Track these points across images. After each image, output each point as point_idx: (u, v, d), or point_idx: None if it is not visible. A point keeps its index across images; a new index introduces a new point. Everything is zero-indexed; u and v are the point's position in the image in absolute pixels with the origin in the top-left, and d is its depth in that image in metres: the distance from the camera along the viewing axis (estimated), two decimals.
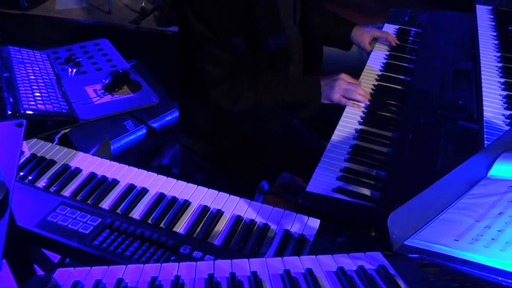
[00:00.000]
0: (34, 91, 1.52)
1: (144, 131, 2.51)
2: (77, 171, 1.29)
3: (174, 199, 1.18)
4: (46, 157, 1.35)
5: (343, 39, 1.89)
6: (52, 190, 1.23)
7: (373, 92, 1.61)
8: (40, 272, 1.20)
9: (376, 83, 1.68)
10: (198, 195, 1.19)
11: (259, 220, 1.12)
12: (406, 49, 1.90)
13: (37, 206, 1.18)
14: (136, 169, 1.29)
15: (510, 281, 0.69)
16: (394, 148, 1.34)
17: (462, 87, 1.62)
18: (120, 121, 2.42)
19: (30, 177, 1.27)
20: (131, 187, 1.22)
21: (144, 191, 1.21)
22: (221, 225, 1.11)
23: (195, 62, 1.55)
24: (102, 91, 1.60)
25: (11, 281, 0.98)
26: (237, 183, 1.76)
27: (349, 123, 1.46)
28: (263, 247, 1.05)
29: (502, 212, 0.82)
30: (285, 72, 1.68)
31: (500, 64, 1.62)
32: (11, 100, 1.46)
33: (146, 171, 1.28)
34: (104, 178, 1.26)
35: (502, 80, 1.53)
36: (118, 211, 1.16)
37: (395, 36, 1.98)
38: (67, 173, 1.28)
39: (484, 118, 1.32)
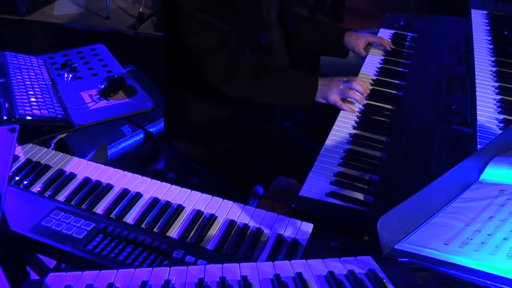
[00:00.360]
0: (30, 96, 1.53)
1: (141, 136, 2.52)
2: (72, 176, 1.29)
3: (168, 204, 1.18)
4: (42, 162, 1.35)
5: (337, 46, 1.89)
6: (47, 195, 1.23)
7: (367, 96, 1.62)
8: (36, 277, 1.21)
9: (370, 87, 1.68)
10: (192, 200, 1.20)
11: (252, 224, 1.12)
12: (401, 54, 1.91)
13: (31, 211, 1.18)
14: (131, 174, 1.29)
15: (499, 285, 0.69)
16: (388, 152, 1.34)
17: (456, 91, 1.62)
18: (117, 126, 2.42)
19: (25, 182, 1.28)
20: (125, 191, 1.23)
21: (138, 195, 1.22)
22: (214, 230, 1.11)
23: (188, 36, 1.53)
24: (98, 96, 1.61)
25: (4, 286, 0.99)
26: (232, 187, 1.76)
27: (343, 127, 1.46)
28: (256, 252, 1.05)
29: (492, 216, 0.82)
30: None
31: (494, 69, 1.63)
32: (6, 106, 1.47)
33: (140, 176, 1.28)
34: (98, 183, 1.26)
35: (496, 84, 1.54)
36: (112, 216, 1.16)
37: (390, 41, 1.99)
38: (62, 178, 1.29)
39: (478, 122, 1.33)
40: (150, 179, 1.27)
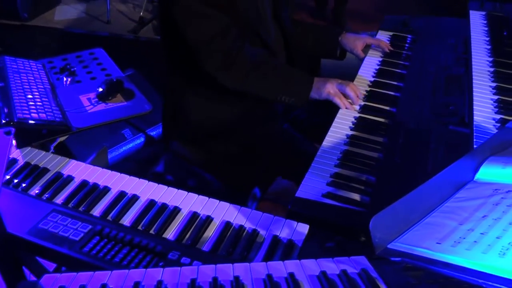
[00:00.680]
0: (29, 100, 1.53)
1: (142, 139, 2.52)
2: (70, 178, 1.30)
3: (164, 206, 1.18)
4: (40, 165, 1.36)
5: (334, 48, 1.89)
6: (45, 198, 1.24)
7: (365, 98, 1.62)
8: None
9: (368, 89, 1.68)
10: (189, 202, 1.20)
11: (248, 226, 1.12)
12: (399, 56, 1.91)
13: (29, 213, 1.18)
14: (128, 176, 1.29)
15: (490, 283, 0.69)
16: (385, 153, 1.34)
17: (454, 92, 1.62)
18: (118, 130, 2.43)
19: (23, 185, 1.29)
20: (122, 194, 1.23)
21: (134, 198, 1.22)
22: (210, 231, 1.11)
23: (186, 28, 1.54)
24: (96, 99, 1.62)
25: (1, 286, 0.99)
26: (231, 189, 1.77)
27: (340, 128, 1.46)
28: (251, 253, 1.05)
29: (486, 215, 0.82)
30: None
31: (492, 69, 1.63)
32: (5, 110, 1.48)
33: (137, 178, 1.29)
34: (95, 185, 1.27)
35: (494, 84, 1.53)
36: (109, 218, 1.17)
37: (388, 42, 1.99)
38: (60, 180, 1.29)
39: (474, 122, 1.33)
40: (147, 181, 1.27)
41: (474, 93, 1.47)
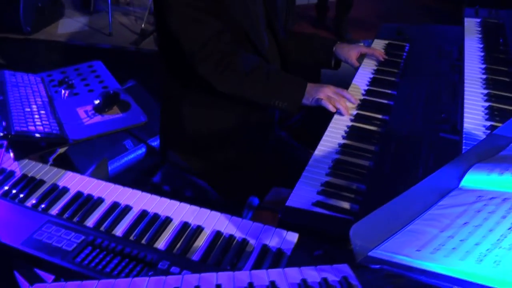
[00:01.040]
0: (26, 113, 1.56)
1: (143, 150, 2.55)
2: (65, 190, 1.32)
3: (156, 216, 1.20)
4: (36, 177, 1.38)
5: (328, 57, 1.91)
6: (40, 209, 1.27)
7: (358, 107, 1.63)
8: None
9: (362, 97, 1.70)
10: (180, 212, 1.22)
11: (238, 235, 1.13)
12: (394, 64, 1.92)
13: (25, 224, 1.21)
14: (121, 187, 1.31)
15: None
16: (376, 161, 1.35)
17: (448, 99, 1.63)
18: (120, 140, 2.46)
19: (21, 196, 1.31)
20: (115, 205, 1.25)
21: (127, 208, 1.24)
22: (201, 241, 1.13)
23: (181, 33, 1.57)
24: (93, 111, 1.64)
25: None
26: (227, 198, 1.78)
27: (332, 137, 1.48)
28: (240, 262, 1.06)
29: (467, 222, 0.83)
30: None
31: (484, 76, 1.64)
32: (3, 123, 1.50)
33: (131, 189, 1.31)
34: (90, 196, 1.29)
35: (485, 91, 1.54)
36: (102, 228, 1.19)
37: (384, 51, 2.00)
38: (55, 192, 1.32)
39: (464, 130, 1.33)
40: (140, 192, 1.29)
41: (465, 100, 1.48)
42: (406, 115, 1.57)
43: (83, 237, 1.14)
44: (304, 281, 0.76)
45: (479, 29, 2.03)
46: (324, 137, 1.47)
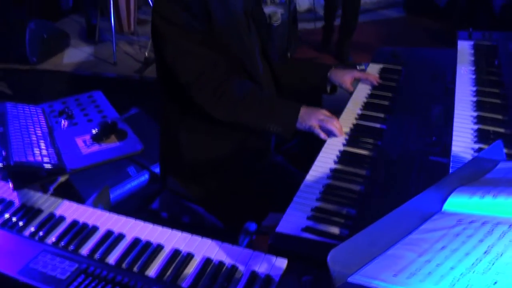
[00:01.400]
0: (26, 144, 1.61)
1: (146, 176, 2.58)
2: (61, 219, 1.35)
3: (148, 244, 1.22)
4: (35, 206, 1.42)
5: (323, 83, 1.94)
6: (37, 238, 1.29)
7: (351, 131, 1.65)
8: None
9: (355, 122, 1.72)
10: (172, 239, 1.24)
11: (228, 261, 1.15)
12: (387, 88, 1.95)
13: (22, 253, 1.24)
14: (116, 215, 1.34)
15: None
16: (366, 185, 1.36)
17: (439, 122, 1.65)
18: (123, 167, 2.49)
19: (20, 224, 1.34)
20: (109, 233, 1.28)
21: (121, 236, 1.26)
22: (191, 268, 1.14)
23: (176, 65, 1.62)
24: (91, 141, 1.68)
25: None
26: (224, 224, 1.80)
27: (324, 162, 1.49)
28: None
29: (444, 246, 0.84)
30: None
31: (474, 98, 1.65)
32: (3, 153, 1.55)
33: (125, 217, 1.33)
34: (85, 225, 1.32)
35: (475, 114, 1.56)
36: (95, 256, 1.21)
37: (378, 75, 2.03)
38: (52, 221, 1.35)
39: (452, 153, 1.35)
40: (133, 219, 1.32)
41: (454, 123, 1.49)
42: (398, 139, 1.58)
43: (76, 265, 1.16)
44: None
45: (472, 51, 2.05)
46: (315, 162, 1.49)
